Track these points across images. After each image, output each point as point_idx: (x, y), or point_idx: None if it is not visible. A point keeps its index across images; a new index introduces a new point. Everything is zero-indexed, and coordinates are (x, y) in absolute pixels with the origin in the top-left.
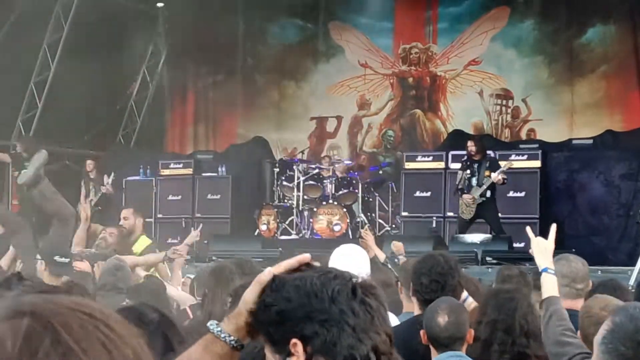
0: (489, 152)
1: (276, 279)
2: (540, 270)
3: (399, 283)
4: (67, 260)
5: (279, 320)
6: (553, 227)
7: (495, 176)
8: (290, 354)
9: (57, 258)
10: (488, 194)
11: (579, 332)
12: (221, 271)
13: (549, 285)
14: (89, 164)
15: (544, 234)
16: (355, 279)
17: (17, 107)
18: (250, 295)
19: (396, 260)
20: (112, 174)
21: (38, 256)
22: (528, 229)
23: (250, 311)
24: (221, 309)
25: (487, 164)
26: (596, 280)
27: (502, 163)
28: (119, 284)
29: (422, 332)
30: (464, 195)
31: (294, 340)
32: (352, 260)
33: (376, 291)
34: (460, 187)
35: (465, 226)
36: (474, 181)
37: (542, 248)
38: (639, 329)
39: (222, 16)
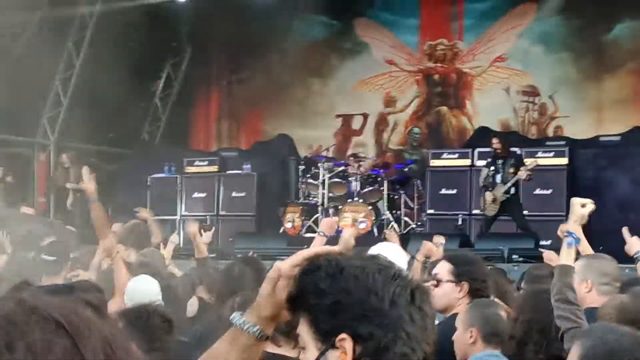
0: (515, 149)
1: (333, 262)
2: (572, 239)
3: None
4: None
5: (333, 310)
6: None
7: (522, 173)
8: (333, 346)
9: None
10: (512, 190)
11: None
12: (230, 270)
13: (569, 254)
14: (65, 157)
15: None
16: (414, 281)
17: (43, 104)
18: (265, 290)
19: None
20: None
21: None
22: (625, 230)
23: (290, 294)
24: (232, 307)
25: (512, 161)
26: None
27: (527, 160)
28: None
29: (471, 329)
30: (486, 193)
31: (343, 336)
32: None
33: (430, 298)
34: (484, 184)
35: (489, 223)
36: (498, 178)
37: (579, 215)
38: (613, 353)
39: (246, 13)
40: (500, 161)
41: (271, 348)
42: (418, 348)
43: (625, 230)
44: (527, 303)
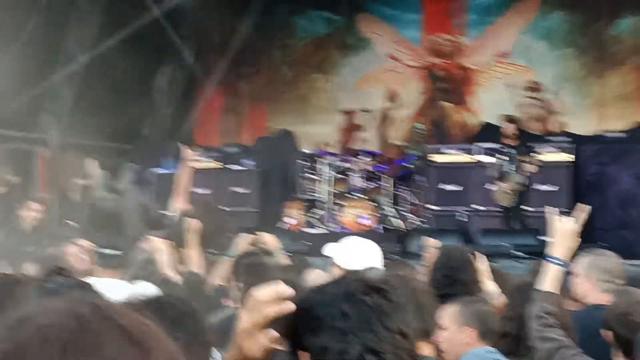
0: None
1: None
2: (545, 256)
3: None
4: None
5: (289, 334)
6: (583, 209)
7: (534, 168)
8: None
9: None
10: (527, 182)
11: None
12: (254, 265)
13: (548, 276)
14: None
15: None
16: (359, 278)
17: (44, 99)
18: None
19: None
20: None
21: None
22: (548, 209)
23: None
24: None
25: (524, 149)
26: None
27: (536, 151)
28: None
29: (466, 328)
30: (501, 184)
31: (300, 352)
32: (362, 254)
33: (383, 288)
34: (497, 175)
35: (509, 216)
36: (510, 167)
37: (564, 230)
38: None
39: (250, 9)
40: (512, 150)
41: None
42: (354, 340)
43: (548, 210)
44: (514, 298)
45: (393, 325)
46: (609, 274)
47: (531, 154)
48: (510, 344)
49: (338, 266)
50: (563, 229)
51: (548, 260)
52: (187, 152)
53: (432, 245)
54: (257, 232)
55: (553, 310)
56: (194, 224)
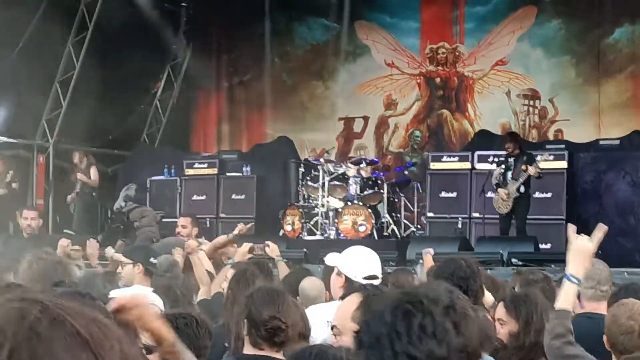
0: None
1: None
2: (565, 274)
3: None
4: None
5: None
6: (602, 229)
7: (532, 169)
8: None
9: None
10: (522, 189)
11: (605, 337)
12: (242, 273)
13: (566, 295)
14: (77, 155)
15: None
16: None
17: (42, 106)
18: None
19: (412, 269)
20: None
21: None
22: (570, 227)
23: None
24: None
25: (524, 159)
26: (620, 283)
27: (538, 157)
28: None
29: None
30: (499, 190)
31: None
32: (364, 263)
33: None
34: (496, 182)
35: (507, 224)
36: (509, 175)
37: (581, 249)
38: None
39: (248, 15)
40: (512, 159)
41: (254, 351)
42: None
43: (571, 227)
44: (521, 310)
45: (459, 340)
46: (592, 280)
47: (533, 160)
48: (527, 354)
49: (340, 275)
50: (580, 248)
51: (567, 279)
52: (190, 244)
53: (428, 253)
54: (267, 242)
55: (572, 328)
56: (190, 244)
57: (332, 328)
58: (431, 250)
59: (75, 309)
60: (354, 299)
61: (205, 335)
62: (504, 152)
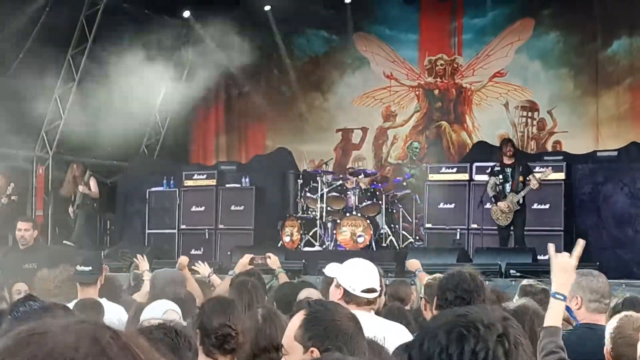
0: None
1: None
2: (551, 293)
3: (423, 299)
4: None
5: None
6: (580, 244)
7: (535, 183)
8: None
9: None
10: (521, 200)
11: (606, 348)
12: (243, 284)
13: (554, 313)
14: (75, 167)
15: (568, 245)
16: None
17: (41, 118)
18: None
19: (411, 280)
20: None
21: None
22: (550, 246)
23: None
24: (256, 319)
25: (521, 169)
26: (619, 296)
27: (536, 170)
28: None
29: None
30: (499, 203)
31: None
32: (363, 275)
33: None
34: (493, 194)
35: (507, 235)
36: (507, 187)
37: (563, 266)
38: None
39: (248, 27)
40: (509, 169)
41: None
42: None
43: (550, 247)
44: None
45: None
46: (596, 293)
47: (530, 171)
48: None
49: (339, 287)
50: (562, 265)
51: (553, 297)
52: (182, 261)
53: (412, 267)
54: (268, 254)
55: (562, 345)
56: (182, 260)
57: (280, 347)
58: (420, 266)
59: (138, 340)
60: (299, 317)
61: (184, 346)
62: (500, 163)
